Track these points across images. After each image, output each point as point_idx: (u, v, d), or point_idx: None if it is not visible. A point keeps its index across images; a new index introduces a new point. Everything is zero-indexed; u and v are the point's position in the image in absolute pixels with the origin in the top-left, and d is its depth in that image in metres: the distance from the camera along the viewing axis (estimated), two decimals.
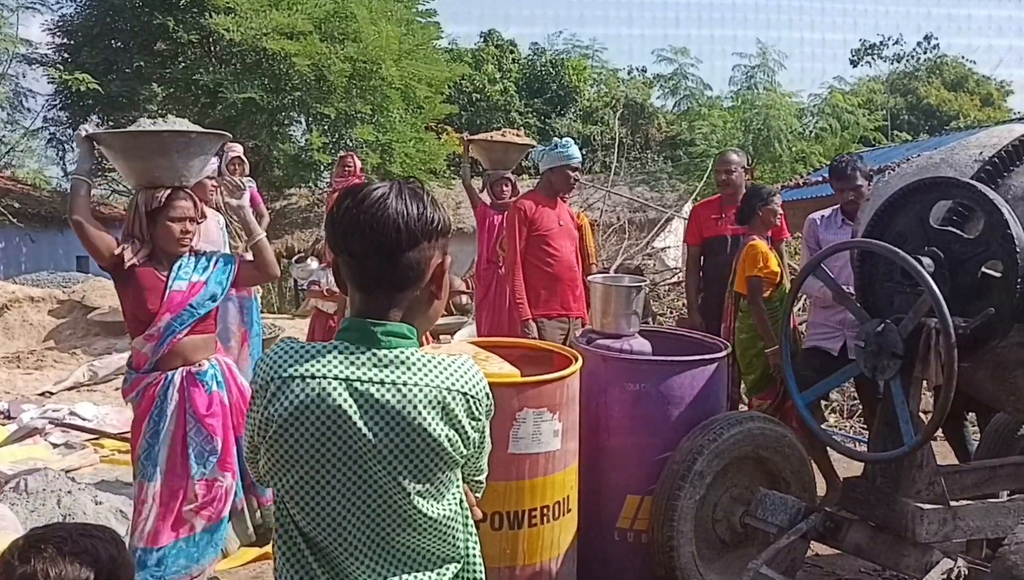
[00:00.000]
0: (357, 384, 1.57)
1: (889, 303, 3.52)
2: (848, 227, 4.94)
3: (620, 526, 4.00)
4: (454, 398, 1.61)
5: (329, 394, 1.56)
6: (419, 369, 1.60)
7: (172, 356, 3.62)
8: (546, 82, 30.09)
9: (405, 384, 1.58)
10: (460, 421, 1.62)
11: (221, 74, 17.61)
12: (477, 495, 1.92)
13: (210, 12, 17.11)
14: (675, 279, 11.43)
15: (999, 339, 3.26)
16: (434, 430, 1.58)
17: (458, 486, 1.71)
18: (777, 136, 23.00)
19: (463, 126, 23.29)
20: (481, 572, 1.79)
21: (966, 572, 3.22)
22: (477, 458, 1.77)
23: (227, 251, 5.42)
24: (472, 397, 1.64)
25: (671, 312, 10.44)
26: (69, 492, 4.66)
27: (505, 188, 6.89)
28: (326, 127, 19.17)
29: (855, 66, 40.24)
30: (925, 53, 39.50)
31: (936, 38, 41.65)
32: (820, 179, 19.03)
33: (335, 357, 1.60)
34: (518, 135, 7.61)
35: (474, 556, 1.78)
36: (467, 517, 1.76)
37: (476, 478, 1.84)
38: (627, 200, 18.59)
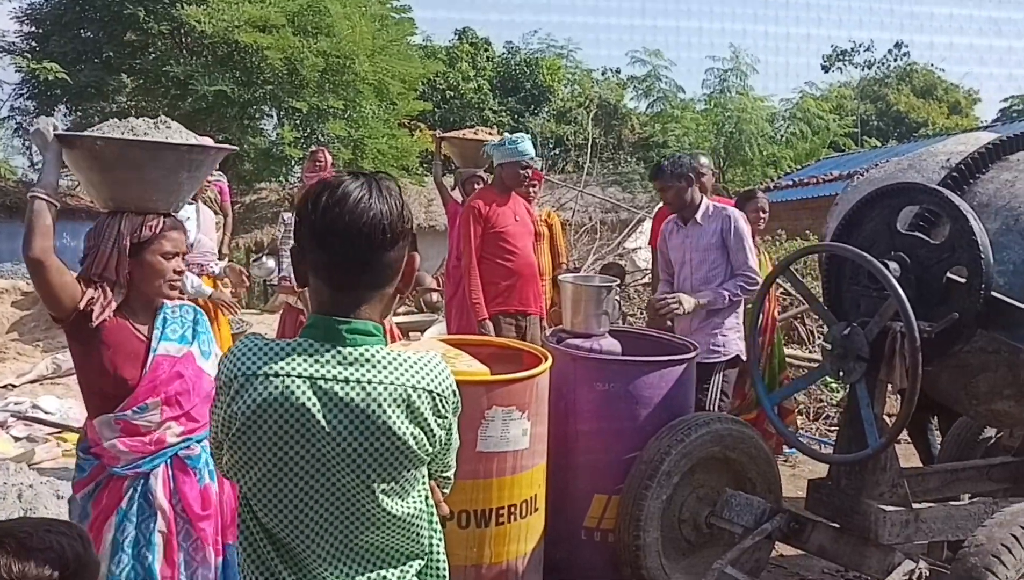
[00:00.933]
0: (321, 382, 1.56)
1: (855, 306, 3.56)
2: (681, 230, 4.97)
3: (587, 525, 4.01)
4: (420, 396, 1.60)
5: (293, 392, 1.55)
6: (384, 367, 1.59)
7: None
8: (520, 81, 30.08)
9: (370, 382, 1.57)
10: (426, 419, 1.61)
11: (192, 66, 17.44)
12: (445, 491, 1.91)
13: (181, 3, 16.96)
14: (646, 280, 11.45)
15: (962, 344, 3.31)
16: (399, 429, 1.57)
17: (424, 483, 1.70)
18: (749, 140, 23.15)
19: (436, 123, 23.21)
20: (445, 568, 1.79)
21: (927, 574, 3.26)
22: (444, 455, 1.76)
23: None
24: (438, 395, 1.63)
25: (642, 313, 10.47)
26: (30, 486, 4.59)
27: (477, 186, 6.88)
28: (298, 121, 19.05)
29: (826, 72, 40.56)
30: (895, 60, 39.96)
31: (906, 46, 42.07)
32: (791, 183, 19.22)
33: (299, 355, 1.58)
34: (491, 133, 7.60)
35: (438, 552, 1.77)
36: (432, 514, 1.75)
37: (444, 474, 1.84)
38: (599, 200, 18.64)
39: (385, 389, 1.57)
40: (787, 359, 6.78)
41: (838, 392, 7.41)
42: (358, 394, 1.56)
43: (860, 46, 40.74)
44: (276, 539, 1.62)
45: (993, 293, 3.19)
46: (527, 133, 7.23)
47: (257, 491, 1.60)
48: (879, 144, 27.48)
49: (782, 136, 25.26)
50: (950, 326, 3.22)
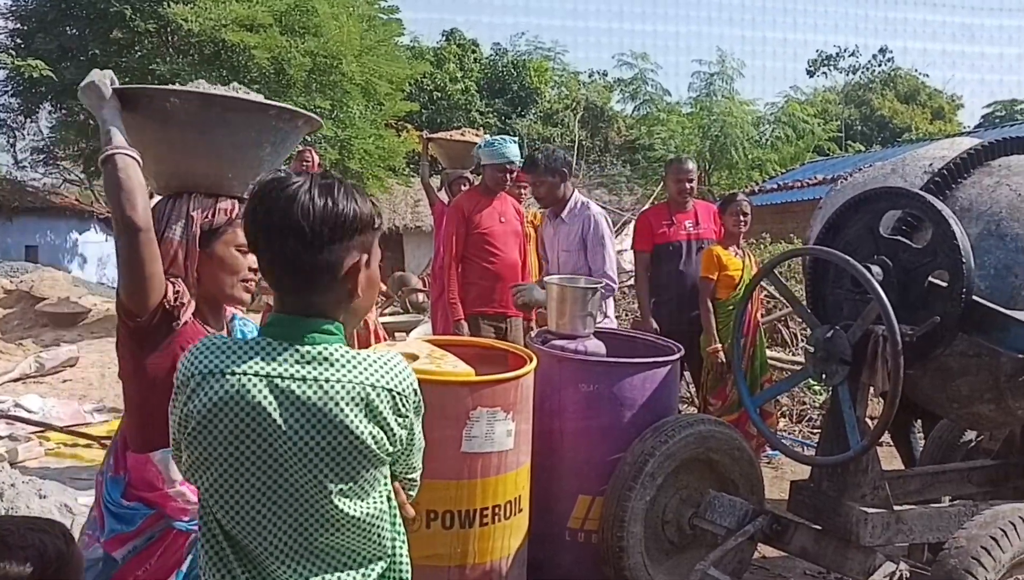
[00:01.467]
0: (278, 381, 1.54)
1: (838, 309, 3.58)
2: (551, 224, 4.97)
3: (571, 526, 4.02)
4: (379, 395, 1.58)
5: (249, 390, 1.53)
6: (343, 365, 1.57)
7: None
8: (507, 83, 30.14)
9: (328, 381, 1.55)
10: (385, 418, 1.59)
11: (178, 65, 17.36)
12: (411, 494, 1.87)
13: (168, 2, 16.88)
14: (631, 281, 11.49)
15: (944, 347, 3.33)
16: (357, 428, 1.55)
17: (385, 484, 1.67)
18: (734, 143, 23.28)
19: (423, 124, 23.22)
20: (407, 571, 1.75)
21: (908, 575, 3.28)
22: (408, 456, 1.73)
23: None
24: (398, 394, 1.61)
25: (627, 314, 10.50)
26: (12, 485, 4.57)
27: (463, 187, 6.89)
28: None
29: (812, 76, 40.87)
30: (880, 65, 40.24)
31: (891, 51, 42.43)
32: (775, 186, 19.31)
33: (257, 353, 1.57)
34: (477, 135, 7.61)
35: (400, 554, 1.73)
36: (395, 515, 1.72)
37: (409, 476, 1.80)
38: None
39: (343, 387, 1.55)
40: (770, 362, 6.82)
41: (821, 394, 7.45)
42: (315, 393, 1.54)
43: (845, 51, 41.08)
44: (234, 540, 1.60)
45: (974, 297, 3.22)
46: (514, 135, 7.25)
47: (214, 491, 1.59)
48: (863, 149, 27.69)
49: (767, 140, 25.41)
50: (931, 330, 3.24)
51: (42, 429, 6.41)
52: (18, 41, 19.04)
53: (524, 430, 3.67)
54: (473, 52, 30.61)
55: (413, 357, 3.57)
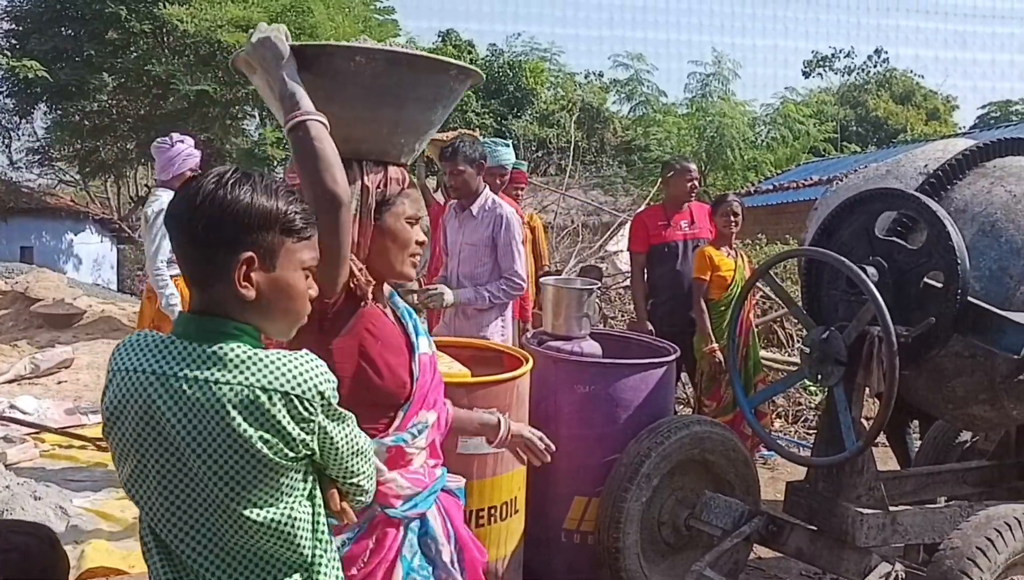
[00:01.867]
0: (172, 381, 1.50)
1: (834, 310, 3.59)
2: (457, 217, 4.89)
3: (567, 527, 4.02)
4: (271, 398, 1.49)
5: (145, 389, 1.51)
6: (235, 366, 1.50)
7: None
8: (503, 83, 30.13)
9: (217, 382, 1.49)
10: (279, 423, 1.50)
11: (174, 65, 17.33)
12: (360, 499, 1.76)
13: (164, 2, 16.86)
14: (627, 283, 11.49)
15: (939, 348, 3.34)
16: (245, 432, 1.48)
17: (303, 490, 1.60)
18: (730, 144, 23.25)
19: None
20: None
21: (903, 576, 3.29)
22: (337, 462, 1.64)
23: None
24: (297, 397, 1.52)
25: (623, 315, 10.50)
26: (7, 487, 4.55)
27: None
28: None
29: (807, 77, 40.94)
30: (875, 66, 40.31)
31: (886, 52, 42.54)
32: (771, 187, 19.33)
33: (160, 351, 1.54)
34: (473, 135, 7.61)
35: (321, 564, 1.63)
36: (319, 522, 1.63)
37: (349, 481, 1.70)
38: (581, 203, 18.68)
39: (231, 389, 1.49)
40: (766, 362, 6.83)
41: (817, 395, 7.46)
42: (204, 394, 1.49)
43: (840, 52, 41.16)
44: (158, 537, 1.58)
45: (969, 298, 3.23)
46: (510, 135, 7.24)
47: (130, 485, 1.57)
48: (859, 149, 27.74)
49: (763, 141, 25.39)
50: (927, 331, 3.25)
51: (37, 430, 6.39)
52: (13, 42, 19.01)
53: None
54: (469, 53, 30.60)
55: None
